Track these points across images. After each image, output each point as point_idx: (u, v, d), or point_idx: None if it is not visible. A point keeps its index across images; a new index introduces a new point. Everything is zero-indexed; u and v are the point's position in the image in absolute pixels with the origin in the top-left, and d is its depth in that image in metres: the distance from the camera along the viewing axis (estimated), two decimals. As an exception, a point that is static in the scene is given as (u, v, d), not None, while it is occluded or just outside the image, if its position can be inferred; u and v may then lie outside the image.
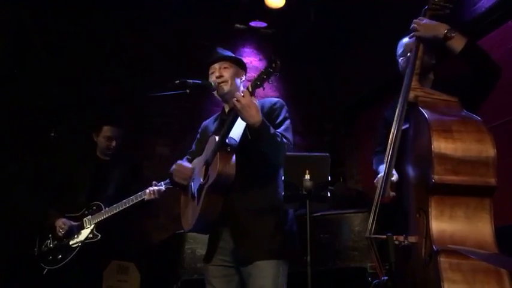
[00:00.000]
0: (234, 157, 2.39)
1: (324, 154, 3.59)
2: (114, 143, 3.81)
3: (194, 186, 2.57)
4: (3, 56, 4.46)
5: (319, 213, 3.38)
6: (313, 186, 3.26)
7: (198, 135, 2.84)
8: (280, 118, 2.54)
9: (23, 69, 4.62)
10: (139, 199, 3.43)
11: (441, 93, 2.21)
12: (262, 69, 2.24)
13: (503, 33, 3.54)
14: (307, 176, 3.30)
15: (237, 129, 2.47)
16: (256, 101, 2.28)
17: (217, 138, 2.45)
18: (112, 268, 3.58)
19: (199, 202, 2.45)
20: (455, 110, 2.15)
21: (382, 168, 2.53)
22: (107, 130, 3.81)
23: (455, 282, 1.80)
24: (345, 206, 3.51)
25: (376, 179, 2.52)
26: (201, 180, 2.49)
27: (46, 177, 3.85)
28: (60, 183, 3.80)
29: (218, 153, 2.38)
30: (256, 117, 2.25)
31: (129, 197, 3.49)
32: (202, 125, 2.86)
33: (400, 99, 2.29)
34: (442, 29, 2.28)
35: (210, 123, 2.80)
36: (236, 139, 2.46)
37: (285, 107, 2.61)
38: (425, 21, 2.32)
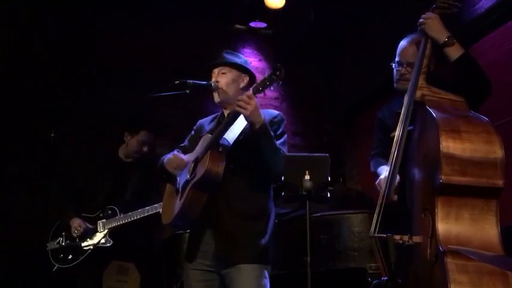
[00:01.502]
0: (224, 158, 2.40)
1: (323, 155, 3.60)
2: (146, 149, 3.79)
3: (180, 181, 2.58)
4: (3, 56, 4.46)
5: (319, 214, 3.38)
6: (313, 187, 3.27)
7: (192, 132, 2.84)
8: (279, 131, 2.55)
9: (23, 70, 4.62)
10: (154, 211, 3.40)
11: (447, 92, 2.19)
12: (266, 76, 2.27)
13: (503, 34, 3.54)
14: (307, 177, 3.30)
15: (233, 132, 2.49)
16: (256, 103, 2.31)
17: (210, 136, 2.47)
18: (112, 268, 3.57)
19: (183, 197, 2.46)
20: (462, 110, 2.14)
21: (383, 170, 2.53)
22: (144, 134, 3.79)
23: (462, 284, 1.79)
24: (345, 207, 3.51)
25: (378, 180, 2.50)
26: (188, 176, 2.49)
27: (66, 175, 3.82)
28: (79, 182, 3.75)
29: (209, 151, 2.39)
30: (260, 118, 2.30)
31: (146, 202, 3.47)
32: (198, 123, 2.86)
33: (407, 98, 2.26)
34: (444, 35, 2.29)
35: (206, 122, 2.80)
36: (230, 141, 2.47)
37: (284, 121, 2.63)
38: (434, 18, 2.31)
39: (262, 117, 2.32)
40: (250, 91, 2.29)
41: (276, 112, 2.65)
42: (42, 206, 3.69)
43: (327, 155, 3.59)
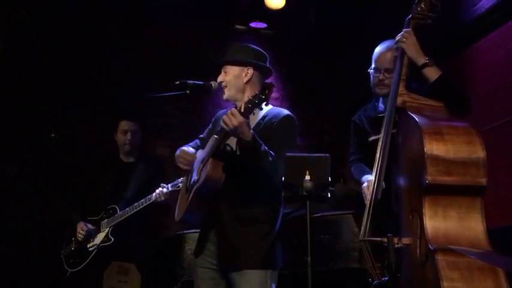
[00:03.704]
0: (225, 165, 2.40)
1: (324, 155, 3.62)
2: (129, 136, 3.80)
3: (191, 179, 2.60)
4: (3, 56, 4.46)
5: (319, 214, 3.38)
6: (313, 187, 3.28)
7: (211, 125, 2.79)
8: (285, 132, 2.50)
9: (23, 70, 4.62)
10: (147, 202, 3.44)
11: (426, 98, 2.29)
12: (256, 94, 2.19)
13: (503, 34, 3.53)
14: (308, 177, 3.32)
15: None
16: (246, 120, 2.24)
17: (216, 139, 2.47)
18: (112, 269, 3.57)
19: (188, 198, 2.50)
20: (442, 114, 2.25)
21: (367, 178, 2.59)
22: (122, 124, 3.83)
23: (454, 280, 1.84)
24: (345, 207, 3.51)
25: (364, 186, 2.56)
26: (195, 178, 2.52)
27: (70, 181, 3.90)
28: (83, 187, 3.84)
29: (211, 158, 2.40)
30: (246, 135, 2.23)
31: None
32: (217, 115, 2.78)
33: (388, 105, 2.36)
34: (423, 57, 2.37)
35: (224, 114, 2.77)
36: (233, 147, 2.45)
37: (295, 123, 2.55)
38: (413, 39, 2.38)
39: (250, 133, 2.24)
40: (241, 108, 2.22)
41: (286, 112, 2.57)
42: (42, 206, 3.68)
43: (327, 155, 3.61)
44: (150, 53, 5.04)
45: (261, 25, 5.38)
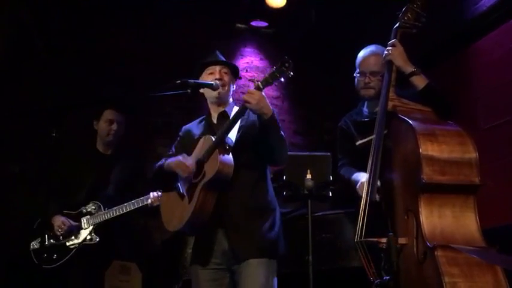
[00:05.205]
0: (231, 156, 2.44)
1: (325, 153, 3.61)
2: (114, 127, 3.61)
3: (182, 186, 2.56)
4: (3, 56, 4.46)
5: (320, 213, 3.38)
6: (314, 186, 3.28)
7: (179, 138, 2.82)
8: None
9: (23, 70, 4.61)
10: (141, 204, 3.32)
11: (415, 103, 2.38)
12: (275, 68, 2.34)
13: (504, 32, 3.53)
14: (309, 176, 3.32)
15: (232, 132, 2.52)
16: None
17: (213, 138, 2.49)
18: (114, 268, 3.56)
19: (192, 200, 2.45)
20: (432, 117, 2.33)
21: (359, 176, 2.62)
22: (108, 113, 3.61)
23: (454, 276, 1.89)
24: (347, 206, 3.51)
25: (358, 185, 2.58)
26: (192, 179, 2.50)
27: (47, 174, 3.66)
28: (60, 180, 3.60)
29: (217, 150, 2.42)
30: (269, 109, 2.37)
31: (133, 196, 3.37)
32: (183, 129, 2.85)
33: (379, 109, 2.43)
34: (410, 66, 2.46)
35: (193, 127, 2.80)
36: (232, 140, 2.51)
37: (276, 113, 2.62)
38: (400, 48, 2.46)
39: (271, 108, 2.38)
40: (260, 84, 2.35)
41: None
42: (43, 205, 3.67)
43: (329, 153, 3.60)
44: (150, 53, 5.04)
45: (262, 24, 5.39)
